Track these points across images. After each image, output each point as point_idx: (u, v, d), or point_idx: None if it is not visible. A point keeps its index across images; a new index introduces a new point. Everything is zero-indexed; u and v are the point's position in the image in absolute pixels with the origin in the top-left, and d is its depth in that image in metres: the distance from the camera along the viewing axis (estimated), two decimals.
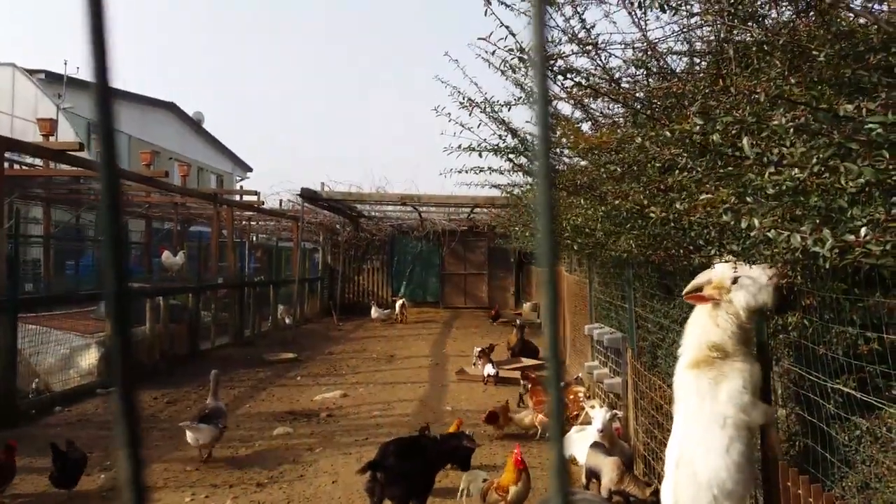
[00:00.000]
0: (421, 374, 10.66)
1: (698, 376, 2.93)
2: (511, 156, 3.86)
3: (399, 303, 18.43)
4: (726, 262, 3.01)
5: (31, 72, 21.12)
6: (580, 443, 5.43)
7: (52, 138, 11.43)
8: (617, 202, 3.13)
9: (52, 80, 21.29)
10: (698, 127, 2.09)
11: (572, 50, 3.84)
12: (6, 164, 9.58)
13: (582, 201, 3.80)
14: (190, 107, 31.90)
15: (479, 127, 3.99)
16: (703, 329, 3.06)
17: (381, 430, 7.17)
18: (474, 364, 10.45)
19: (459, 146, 3.82)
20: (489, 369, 9.73)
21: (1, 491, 5.15)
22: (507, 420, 7.03)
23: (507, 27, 3.39)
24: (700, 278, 3.15)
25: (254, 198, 17.95)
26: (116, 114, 0.43)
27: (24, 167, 13.51)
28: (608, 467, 4.66)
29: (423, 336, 15.38)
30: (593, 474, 4.86)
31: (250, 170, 37.38)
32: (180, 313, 11.85)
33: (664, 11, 2.65)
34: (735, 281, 2.99)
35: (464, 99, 4.04)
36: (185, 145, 28.92)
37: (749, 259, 2.64)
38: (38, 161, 12.81)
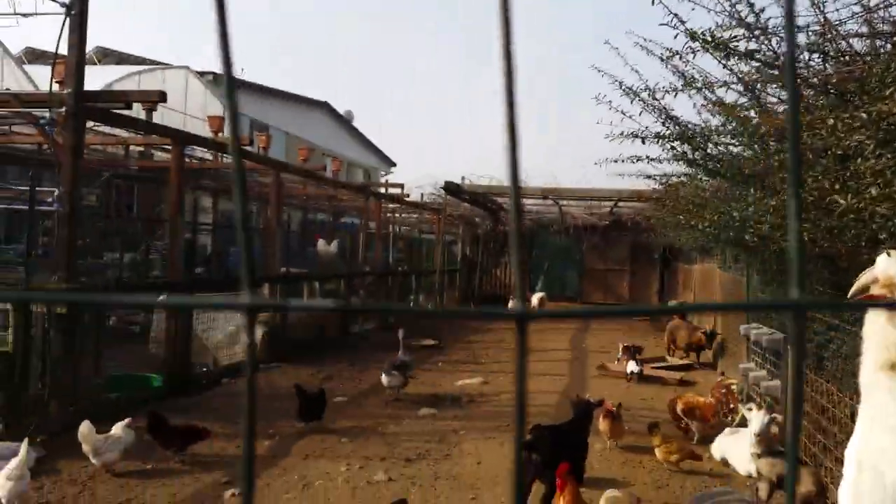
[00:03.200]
0: (560, 368, 10.62)
1: (893, 377, 2.74)
2: (674, 143, 3.80)
3: (537, 297, 18.35)
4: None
5: (202, 73, 23.01)
6: (735, 445, 5.23)
7: (220, 134, 12.45)
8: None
9: (220, 82, 23.07)
10: None
11: (743, 34, 3.72)
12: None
13: (751, 191, 3.66)
14: (341, 105, 33.49)
15: (640, 115, 3.95)
16: (884, 331, 2.86)
17: None
18: (618, 360, 10.27)
19: (622, 133, 3.80)
20: (632, 366, 9.52)
21: (183, 451, 5.69)
22: (618, 431, 6.24)
23: (675, 14, 3.35)
24: (864, 278, 2.95)
25: (398, 191, 18.59)
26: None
27: (195, 161, 14.77)
28: (807, 478, 4.34)
29: (561, 330, 15.27)
30: (776, 483, 4.56)
31: (394, 164, 38.67)
32: (332, 297, 12.58)
33: None
34: None
35: (625, 88, 4.01)
36: (337, 142, 30.41)
37: None
38: (207, 155, 13.99)
